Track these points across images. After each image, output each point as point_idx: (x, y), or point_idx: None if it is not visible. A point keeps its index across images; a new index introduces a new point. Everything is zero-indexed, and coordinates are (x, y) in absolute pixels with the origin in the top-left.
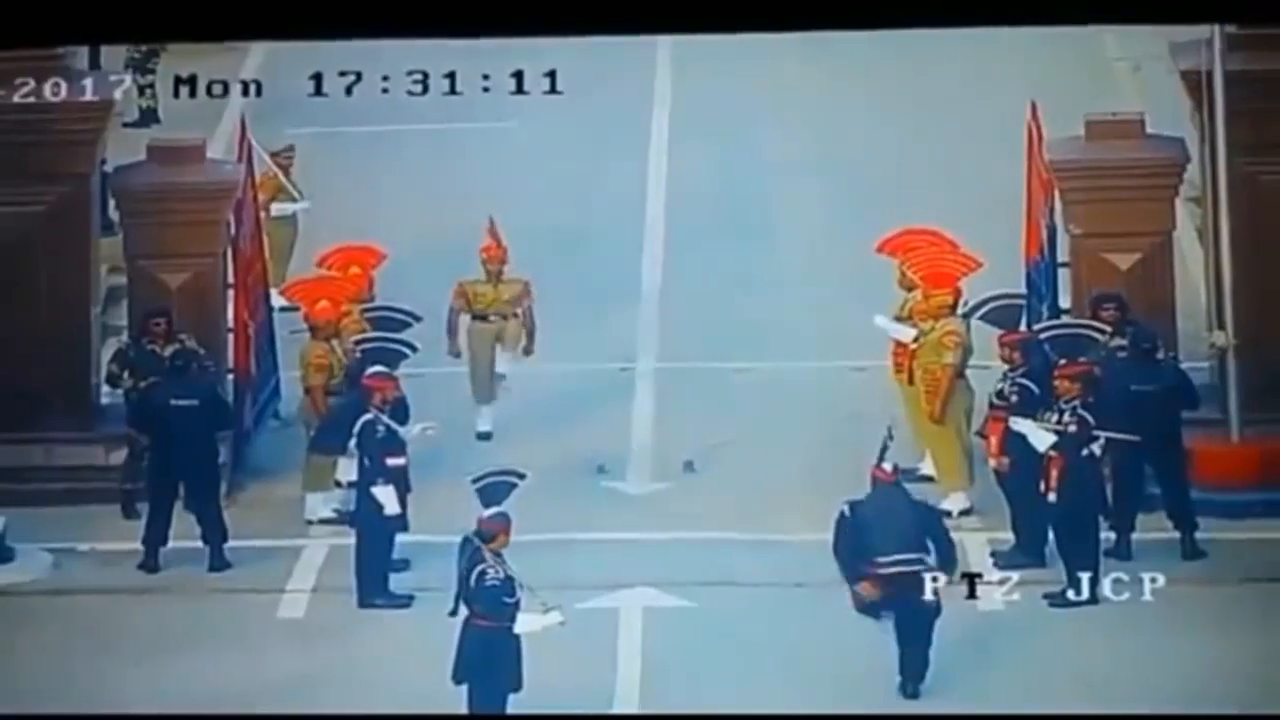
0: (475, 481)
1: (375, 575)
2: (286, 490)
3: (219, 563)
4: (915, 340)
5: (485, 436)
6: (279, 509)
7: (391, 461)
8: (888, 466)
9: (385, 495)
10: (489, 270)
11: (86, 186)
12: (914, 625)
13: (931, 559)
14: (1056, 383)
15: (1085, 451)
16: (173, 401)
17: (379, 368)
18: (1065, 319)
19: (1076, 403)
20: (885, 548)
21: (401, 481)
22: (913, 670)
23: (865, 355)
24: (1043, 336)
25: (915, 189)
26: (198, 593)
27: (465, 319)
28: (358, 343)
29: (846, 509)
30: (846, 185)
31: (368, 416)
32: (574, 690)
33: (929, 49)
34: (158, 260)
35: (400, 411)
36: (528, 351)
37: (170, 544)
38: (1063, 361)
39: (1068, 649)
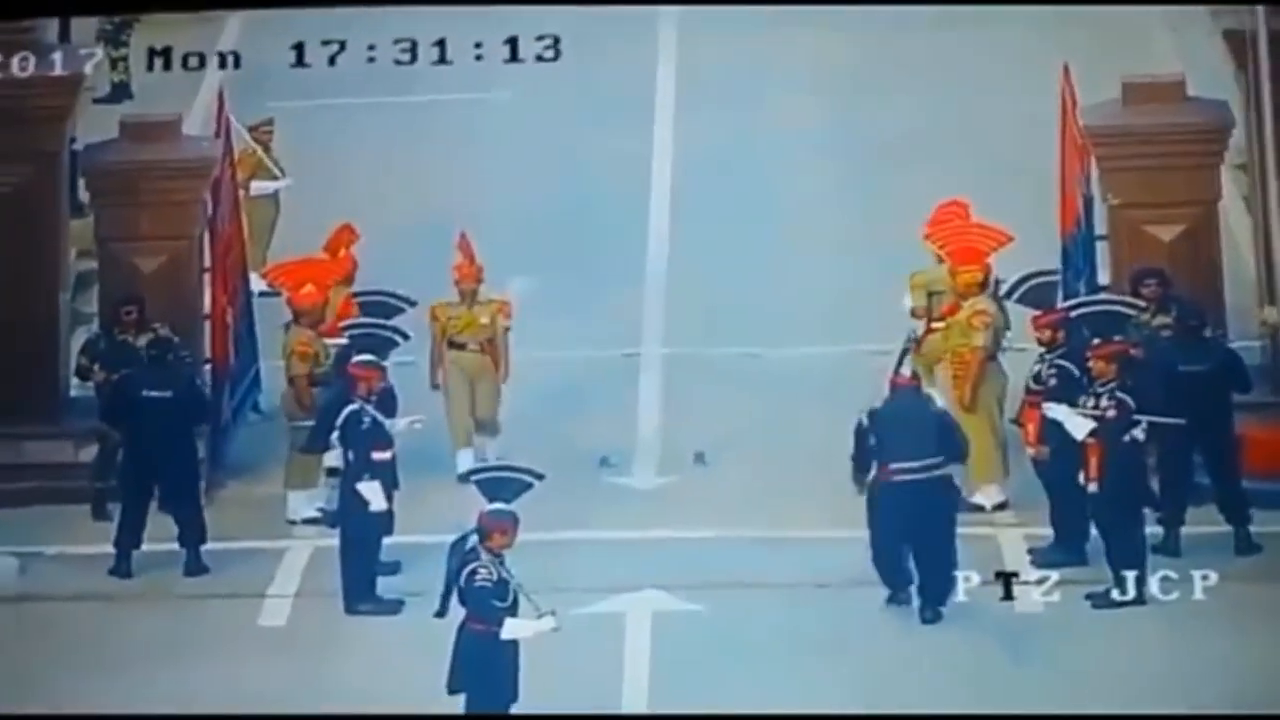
0: (474, 475)
1: (362, 579)
2: (267, 488)
3: (195, 566)
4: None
5: (465, 478)
6: (259, 508)
7: (377, 456)
8: (906, 372)
9: (371, 491)
10: (462, 291)
11: (55, 166)
12: (932, 538)
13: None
14: (1091, 364)
15: (1127, 438)
16: (145, 393)
17: (365, 356)
18: (1099, 296)
19: (1114, 385)
20: (902, 452)
21: (389, 477)
22: (934, 591)
23: (886, 339)
24: (1074, 315)
25: (939, 159)
26: (173, 599)
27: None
28: (345, 329)
29: (865, 417)
30: (865, 158)
31: (353, 407)
32: (577, 702)
33: (951, 10)
34: (130, 243)
35: (387, 403)
36: (504, 379)
37: (144, 547)
38: (1096, 341)
39: (1112, 654)
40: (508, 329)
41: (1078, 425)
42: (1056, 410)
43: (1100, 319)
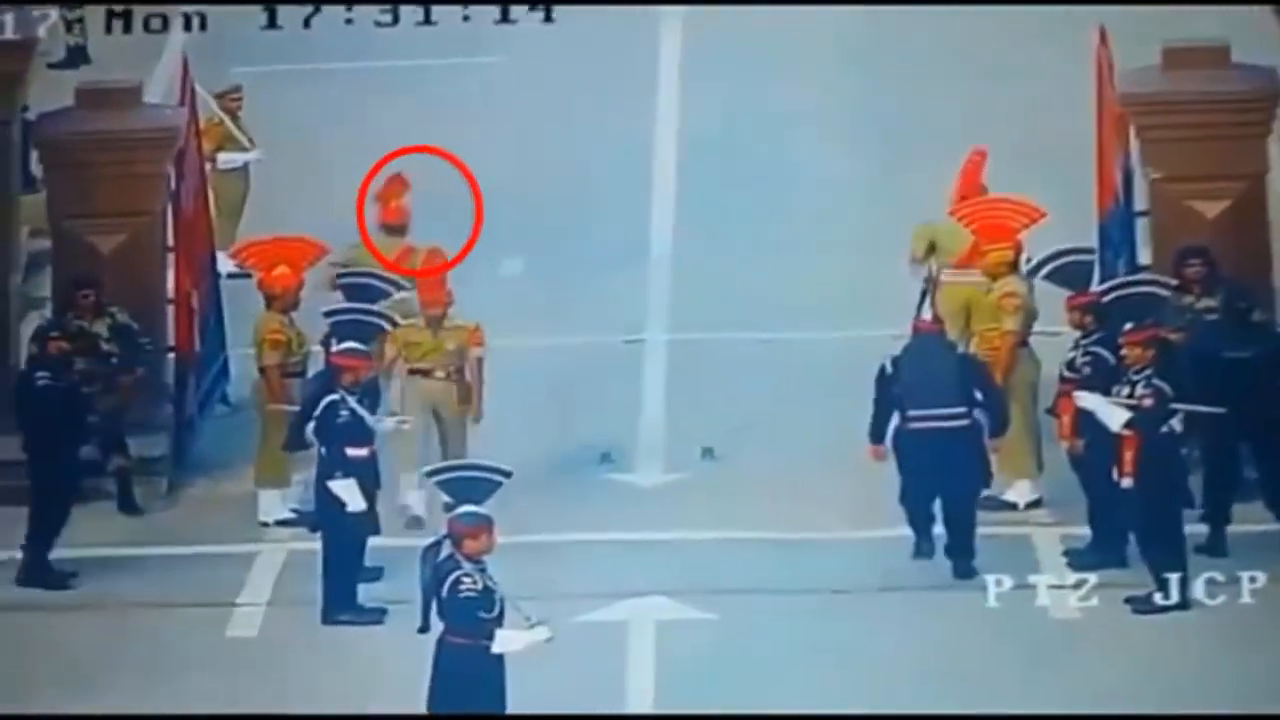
0: (433, 475)
1: (342, 586)
2: (237, 487)
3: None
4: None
5: (416, 523)
6: (229, 509)
7: (353, 452)
8: (927, 315)
9: (346, 490)
10: (429, 317)
11: (5, 136)
12: (956, 491)
13: (979, 414)
14: (1124, 351)
15: (1164, 429)
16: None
17: (349, 344)
18: (1129, 277)
19: (1149, 373)
20: (924, 400)
21: (368, 475)
22: (961, 545)
23: (908, 322)
24: (1105, 300)
25: (964, 131)
26: (133, 608)
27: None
28: (327, 314)
29: (889, 363)
30: (883, 130)
31: (331, 397)
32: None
33: None
34: (87, 220)
35: (370, 394)
36: (475, 415)
37: (93, 552)
38: (1129, 326)
39: (1155, 661)
40: (480, 359)
41: (1112, 415)
42: (1089, 400)
43: (1133, 302)
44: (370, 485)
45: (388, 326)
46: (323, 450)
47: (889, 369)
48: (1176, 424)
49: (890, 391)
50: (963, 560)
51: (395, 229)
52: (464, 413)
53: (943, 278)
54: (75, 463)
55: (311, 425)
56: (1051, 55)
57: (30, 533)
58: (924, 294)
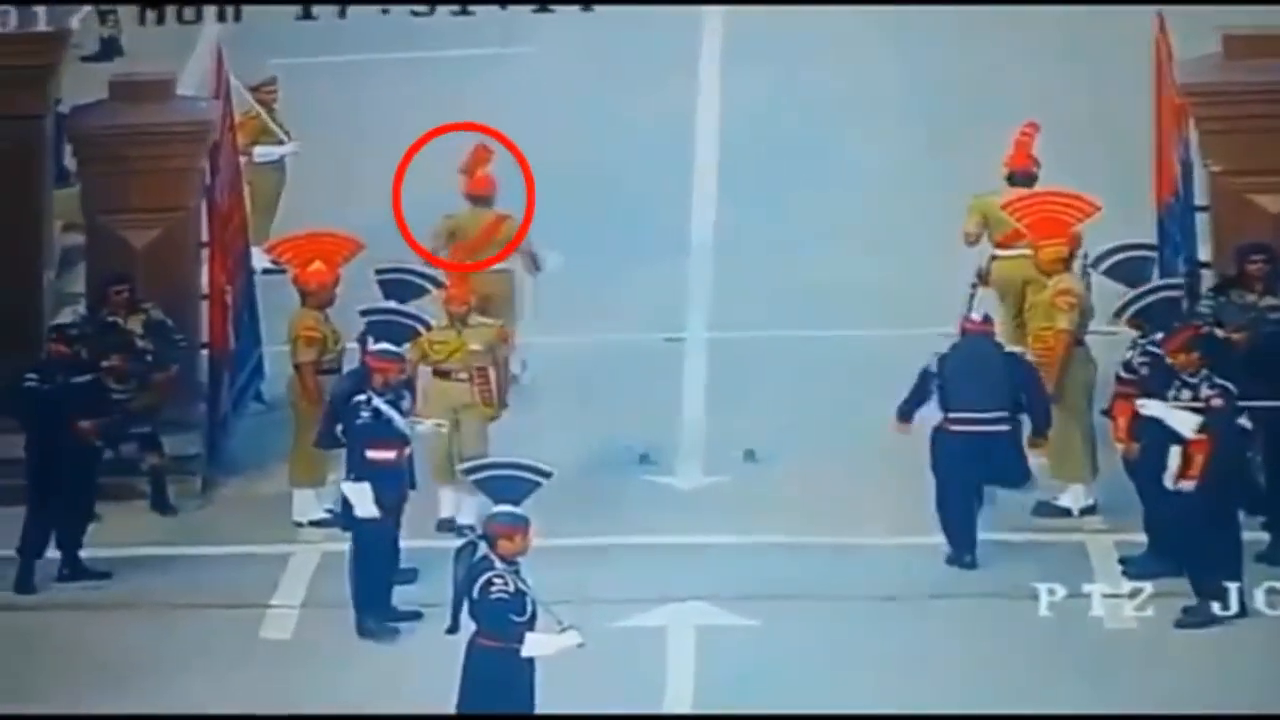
0: (472, 473)
1: (368, 589)
2: (271, 486)
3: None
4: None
5: (448, 524)
6: (263, 509)
7: (374, 455)
8: (977, 316)
9: (357, 494)
10: (451, 314)
11: (39, 130)
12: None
13: (1021, 417)
14: (1170, 361)
15: (1236, 428)
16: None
17: (383, 345)
18: (1139, 289)
19: (1207, 373)
20: (966, 402)
21: (390, 479)
22: (964, 538)
23: (958, 320)
24: (1124, 318)
25: (1016, 112)
26: (166, 608)
27: (425, 374)
28: (363, 313)
29: (934, 362)
30: (934, 118)
31: (358, 397)
32: None
33: None
34: (121, 216)
35: (402, 396)
36: (493, 416)
37: (127, 551)
38: (1159, 336)
39: (1213, 674)
40: (507, 357)
41: (1183, 421)
42: (1155, 408)
43: (1155, 312)
44: (392, 490)
45: (422, 330)
46: (348, 451)
47: (933, 367)
48: (1245, 421)
49: (929, 386)
50: (969, 551)
51: (482, 199)
52: (485, 415)
53: (995, 254)
54: (65, 464)
55: (339, 426)
56: (1108, 35)
57: (27, 532)
58: (971, 296)
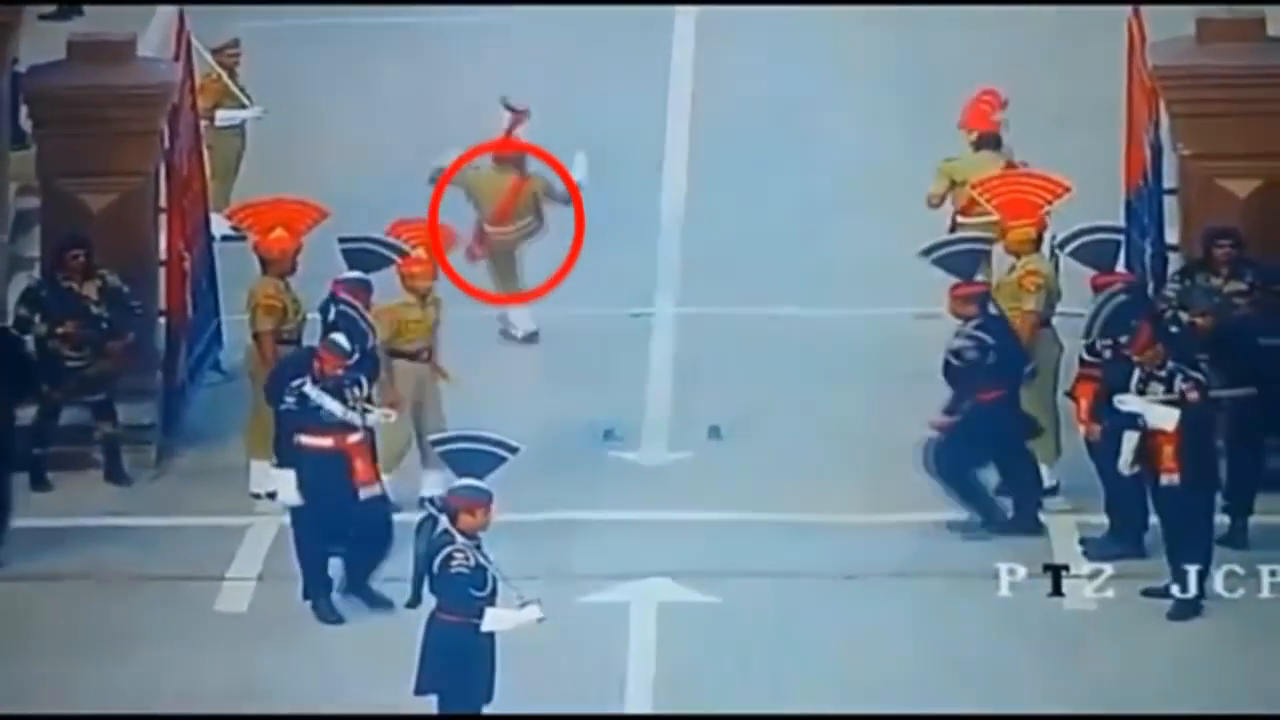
0: (438, 445)
1: (310, 568)
2: (228, 457)
3: None
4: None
5: (421, 504)
6: (219, 480)
7: (305, 440)
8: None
9: (281, 480)
10: (417, 290)
11: None
12: (1010, 452)
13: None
14: (1137, 360)
15: (1210, 419)
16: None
17: (336, 337)
18: (1103, 295)
19: (1175, 365)
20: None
21: (321, 466)
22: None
23: (931, 299)
24: (1094, 339)
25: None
26: (119, 581)
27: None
28: (341, 240)
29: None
30: (906, 96)
31: (294, 381)
32: (574, 701)
33: None
34: (77, 179)
35: (346, 384)
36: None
37: (81, 521)
38: (1124, 339)
39: (1171, 655)
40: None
41: (1162, 416)
42: (1133, 402)
43: (1115, 321)
44: (327, 476)
45: (396, 257)
46: (277, 433)
47: (954, 361)
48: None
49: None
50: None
51: (509, 160)
52: (440, 392)
53: (958, 219)
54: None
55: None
56: (1081, 17)
57: None
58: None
